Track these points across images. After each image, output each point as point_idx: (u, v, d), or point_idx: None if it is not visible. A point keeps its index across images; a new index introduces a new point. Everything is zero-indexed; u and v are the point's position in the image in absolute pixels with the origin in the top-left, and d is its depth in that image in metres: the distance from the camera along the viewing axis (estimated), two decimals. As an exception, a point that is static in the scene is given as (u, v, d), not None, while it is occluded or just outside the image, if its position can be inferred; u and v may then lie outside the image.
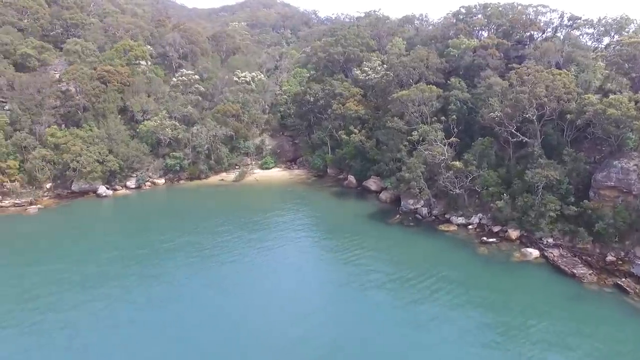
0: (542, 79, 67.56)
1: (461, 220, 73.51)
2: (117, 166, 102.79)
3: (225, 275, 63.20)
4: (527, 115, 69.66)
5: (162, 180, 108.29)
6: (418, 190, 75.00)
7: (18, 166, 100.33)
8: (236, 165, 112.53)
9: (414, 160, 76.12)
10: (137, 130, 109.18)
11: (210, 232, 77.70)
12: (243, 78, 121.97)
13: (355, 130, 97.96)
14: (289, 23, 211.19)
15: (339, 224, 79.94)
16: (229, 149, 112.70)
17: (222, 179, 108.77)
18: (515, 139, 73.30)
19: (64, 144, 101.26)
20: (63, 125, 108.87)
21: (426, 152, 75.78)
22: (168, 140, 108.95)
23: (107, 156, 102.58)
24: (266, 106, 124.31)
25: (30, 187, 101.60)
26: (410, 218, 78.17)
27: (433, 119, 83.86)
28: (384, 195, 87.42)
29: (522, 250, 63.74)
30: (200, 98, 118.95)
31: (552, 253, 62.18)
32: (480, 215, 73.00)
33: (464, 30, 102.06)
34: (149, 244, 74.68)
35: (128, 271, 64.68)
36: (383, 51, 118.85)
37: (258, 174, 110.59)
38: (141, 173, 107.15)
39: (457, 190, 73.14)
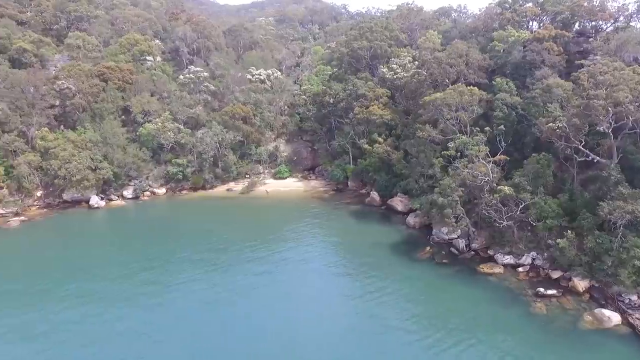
0: (626, 79, 49.71)
1: (509, 259, 55.64)
2: (111, 174, 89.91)
3: (208, 326, 48.74)
4: (600, 128, 52.18)
5: (162, 190, 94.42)
6: (454, 220, 58.26)
7: (5, 172, 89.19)
8: (246, 174, 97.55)
9: (449, 182, 59.00)
10: (138, 133, 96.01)
11: (203, 261, 62.98)
12: (257, 76, 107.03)
13: (380, 139, 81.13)
14: (317, 18, 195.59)
15: (357, 255, 63.45)
16: (239, 155, 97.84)
17: (230, 190, 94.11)
18: (581, 158, 55.92)
19: (53, 148, 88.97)
20: (61, 127, 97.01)
21: (465, 171, 58.83)
22: (170, 145, 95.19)
23: (100, 162, 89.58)
24: (284, 107, 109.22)
25: (20, 195, 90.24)
26: (443, 252, 60.69)
27: (474, 129, 66.56)
28: (411, 219, 70.29)
29: (596, 311, 45.39)
30: (209, 98, 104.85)
31: (640, 319, 44.51)
32: (533, 254, 54.99)
33: (512, 20, 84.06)
34: (127, 272, 60.72)
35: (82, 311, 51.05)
36: (415, 46, 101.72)
37: (270, 185, 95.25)
38: (140, 182, 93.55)
39: (505, 222, 55.87)
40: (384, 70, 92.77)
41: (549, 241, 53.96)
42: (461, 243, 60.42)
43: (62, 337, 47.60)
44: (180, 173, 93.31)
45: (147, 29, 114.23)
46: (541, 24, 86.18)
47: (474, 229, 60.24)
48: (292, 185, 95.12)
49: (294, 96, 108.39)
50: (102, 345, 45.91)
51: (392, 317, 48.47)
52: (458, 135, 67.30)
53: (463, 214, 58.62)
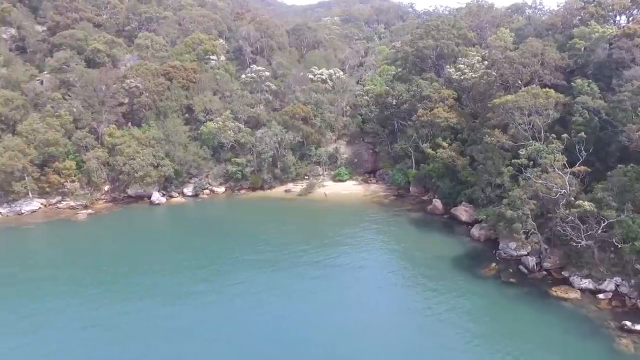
0: None
1: (587, 283, 49.28)
2: (172, 171, 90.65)
3: (261, 328, 46.88)
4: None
5: (222, 189, 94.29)
6: (524, 235, 52.76)
7: (77, 167, 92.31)
8: (305, 175, 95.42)
9: (520, 193, 53.53)
10: (199, 131, 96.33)
11: (259, 262, 61.69)
12: (319, 76, 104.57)
13: (444, 144, 76.01)
14: (383, 17, 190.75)
15: (416, 266, 59.46)
16: (298, 156, 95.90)
17: (288, 191, 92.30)
18: (678, 171, 48.89)
19: (119, 145, 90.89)
20: (129, 124, 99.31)
21: (539, 183, 53.18)
22: (230, 144, 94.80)
23: (162, 160, 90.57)
24: (346, 108, 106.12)
25: (89, 188, 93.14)
26: (510, 270, 55.08)
27: (549, 135, 60.29)
28: (476, 231, 64.84)
29: (698, 355, 39.17)
30: (270, 97, 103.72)
31: None
32: (617, 279, 48.39)
33: (597, 14, 76.18)
34: (184, 269, 61.20)
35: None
36: (484, 45, 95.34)
37: (329, 187, 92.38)
38: (200, 180, 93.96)
39: (583, 241, 49.80)
40: (451, 70, 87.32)
41: (638, 266, 47.43)
42: (531, 261, 54.58)
43: (120, 329, 47.94)
44: (240, 172, 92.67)
45: (212, 28, 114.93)
46: (631, 18, 77.64)
47: (546, 247, 54.33)
48: (352, 188, 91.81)
49: (356, 97, 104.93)
50: (156, 340, 45.78)
51: (452, 335, 44.41)
52: (531, 141, 61.22)
53: (534, 229, 52.93)
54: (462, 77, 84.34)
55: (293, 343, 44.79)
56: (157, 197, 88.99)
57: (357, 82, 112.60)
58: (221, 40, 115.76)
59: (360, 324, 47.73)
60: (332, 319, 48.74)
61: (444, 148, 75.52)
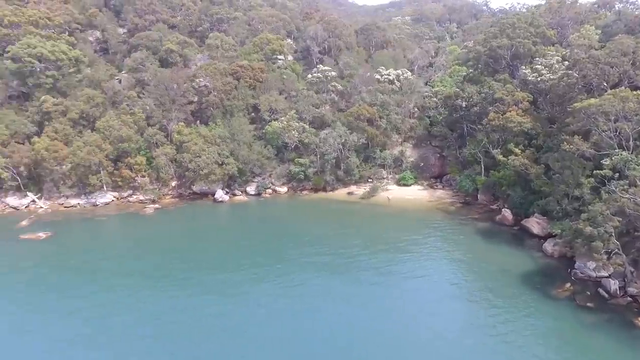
0: None
1: (682, 315, 44.05)
2: (236, 170, 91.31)
3: (316, 334, 45.48)
4: None
5: (284, 189, 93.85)
6: (605, 255, 47.41)
7: (147, 162, 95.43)
8: (369, 178, 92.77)
9: (602, 208, 48.09)
10: (264, 131, 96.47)
11: (317, 265, 60.79)
12: (386, 76, 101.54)
13: (517, 150, 70.46)
14: (456, 16, 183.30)
15: (481, 279, 55.59)
16: (362, 158, 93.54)
17: (351, 193, 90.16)
18: None
19: (186, 142, 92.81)
20: (197, 122, 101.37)
21: (625, 197, 47.52)
22: (294, 144, 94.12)
23: (227, 158, 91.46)
24: (414, 110, 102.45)
25: (158, 184, 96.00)
26: (588, 293, 49.73)
27: (639, 144, 54.34)
28: (549, 246, 59.38)
29: None
30: (336, 97, 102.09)
31: None
32: None
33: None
34: (241, 268, 61.12)
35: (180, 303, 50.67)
36: (565, 44, 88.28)
37: (393, 191, 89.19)
38: (262, 179, 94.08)
39: (677, 265, 44.08)
40: (526, 71, 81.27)
41: None
42: (613, 285, 48.88)
43: (175, 325, 48.34)
44: (302, 173, 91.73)
45: (281, 28, 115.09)
46: None
47: (632, 269, 48.55)
48: (416, 193, 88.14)
49: (424, 98, 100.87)
50: (208, 338, 46.03)
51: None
52: (617, 150, 55.39)
53: (618, 249, 47.38)
54: (538, 79, 78.13)
55: (343, 352, 43.02)
56: (220, 194, 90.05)
57: (426, 83, 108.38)
58: (289, 40, 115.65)
59: (417, 337, 45.24)
60: (386, 329, 46.50)
61: (516, 155, 70.11)
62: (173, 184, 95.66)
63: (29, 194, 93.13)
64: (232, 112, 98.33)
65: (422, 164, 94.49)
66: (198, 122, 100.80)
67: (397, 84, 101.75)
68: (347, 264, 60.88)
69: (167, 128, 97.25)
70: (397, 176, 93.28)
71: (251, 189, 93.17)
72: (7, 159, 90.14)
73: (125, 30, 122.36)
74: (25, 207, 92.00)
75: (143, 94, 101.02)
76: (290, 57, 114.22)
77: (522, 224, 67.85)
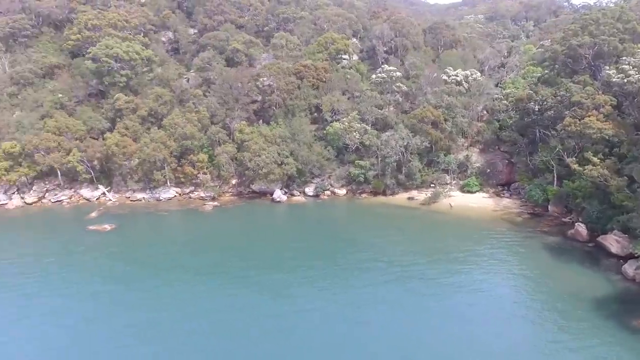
0: None
1: None
2: (295, 170, 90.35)
3: (365, 346, 42.93)
4: None
5: (343, 191, 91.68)
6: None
7: (209, 160, 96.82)
8: (431, 183, 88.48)
9: (696, 229, 42.30)
10: (325, 131, 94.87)
11: (369, 271, 58.63)
12: (453, 77, 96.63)
13: (596, 159, 63.58)
14: (533, 14, 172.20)
15: (549, 300, 50.29)
16: (425, 162, 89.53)
17: (411, 198, 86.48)
18: None
19: (247, 141, 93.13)
20: (260, 121, 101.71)
21: None
22: (355, 145, 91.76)
23: (286, 158, 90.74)
24: (482, 112, 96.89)
25: (219, 181, 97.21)
26: (678, 327, 44.20)
27: None
28: (631, 269, 52.55)
29: None
30: (400, 99, 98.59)
31: None
32: None
33: None
34: (293, 269, 60.52)
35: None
36: (661, 41, 79.58)
37: (456, 198, 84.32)
38: (322, 180, 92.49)
39: None
40: (611, 72, 73.60)
41: None
42: None
43: (227, 323, 48.60)
44: (362, 175, 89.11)
45: (346, 28, 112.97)
46: None
47: None
48: (481, 201, 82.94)
49: (493, 100, 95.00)
50: (263, 338, 45.66)
51: None
52: None
53: None
54: (625, 80, 70.34)
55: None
56: (278, 194, 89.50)
57: (496, 85, 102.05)
58: (354, 40, 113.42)
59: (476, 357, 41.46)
60: (437, 346, 43.23)
61: (594, 164, 63.45)
62: (233, 182, 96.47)
63: (100, 186, 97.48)
64: (293, 111, 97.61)
65: (489, 170, 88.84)
66: (261, 121, 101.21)
67: (465, 85, 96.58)
68: (403, 273, 57.92)
69: (230, 126, 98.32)
70: (461, 182, 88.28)
71: (310, 190, 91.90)
72: (83, 153, 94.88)
73: (195, 31, 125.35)
74: (97, 199, 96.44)
75: (209, 92, 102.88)
76: (355, 57, 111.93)
77: (598, 241, 61.20)
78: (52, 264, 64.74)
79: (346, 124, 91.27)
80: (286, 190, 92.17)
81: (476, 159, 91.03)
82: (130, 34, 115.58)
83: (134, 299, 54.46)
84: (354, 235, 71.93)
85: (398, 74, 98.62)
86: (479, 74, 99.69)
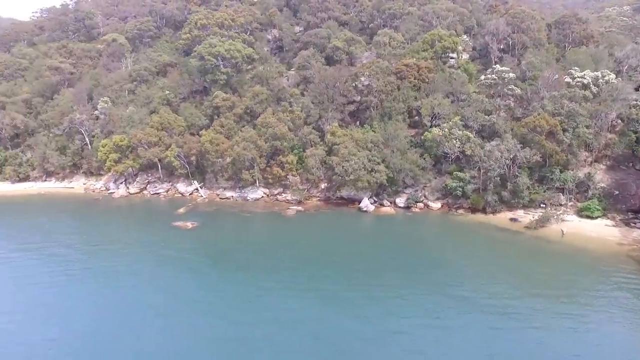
0: None
1: None
2: (386, 178, 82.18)
3: None
4: None
5: (437, 205, 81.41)
6: None
7: (299, 162, 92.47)
8: (541, 203, 74.34)
9: None
10: (422, 137, 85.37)
11: (447, 299, 50.23)
12: (579, 79, 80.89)
13: None
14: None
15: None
16: (535, 179, 75.93)
17: (514, 220, 73.46)
18: None
19: (337, 144, 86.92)
20: (357, 123, 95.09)
21: None
22: (455, 155, 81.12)
23: (377, 165, 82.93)
24: (615, 121, 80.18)
25: (308, 184, 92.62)
26: None
27: None
28: None
29: None
30: (512, 104, 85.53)
31: None
32: None
33: None
34: (358, 283, 55.20)
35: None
36: None
37: (570, 224, 69.24)
38: (415, 191, 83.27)
39: None
40: None
41: None
42: None
43: (298, 329, 46.62)
44: (460, 189, 78.14)
45: (457, 23, 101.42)
46: None
47: None
48: (602, 230, 67.42)
49: (630, 108, 77.74)
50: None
51: None
52: None
53: None
54: None
55: None
56: (366, 203, 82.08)
57: (637, 89, 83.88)
58: (464, 37, 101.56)
59: None
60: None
61: None
62: (322, 186, 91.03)
63: (194, 182, 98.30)
64: (390, 114, 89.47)
65: (618, 192, 72.55)
66: (357, 122, 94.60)
67: (594, 89, 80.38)
68: (491, 306, 48.80)
69: (322, 128, 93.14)
70: (578, 204, 73.06)
71: (401, 200, 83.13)
72: (180, 149, 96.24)
73: (300, 29, 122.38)
74: (190, 194, 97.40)
75: (306, 91, 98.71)
76: (465, 56, 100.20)
77: None
78: (130, 254, 68.05)
79: (446, 130, 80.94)
80: (375, 199, 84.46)
81: (601, 177, 75.15)
82: (236, 32, 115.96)
83: (211, 298, 53.89)
84: (442, 256, 62.50)
85: (511, 75, 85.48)
86: (613, 75, 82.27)
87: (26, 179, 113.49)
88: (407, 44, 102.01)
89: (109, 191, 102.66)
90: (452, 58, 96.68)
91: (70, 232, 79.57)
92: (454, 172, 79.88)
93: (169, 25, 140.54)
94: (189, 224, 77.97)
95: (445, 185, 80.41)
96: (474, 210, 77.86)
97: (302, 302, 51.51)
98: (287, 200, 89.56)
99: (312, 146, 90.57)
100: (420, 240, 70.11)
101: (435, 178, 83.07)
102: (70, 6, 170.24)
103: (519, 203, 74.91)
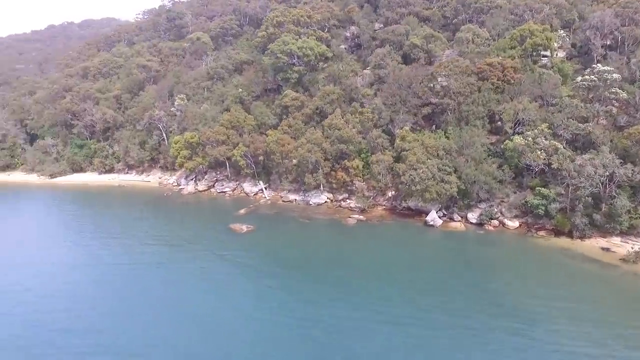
0: None
1: None
2: (456, 190, 72.91)
3: None
4: None
5: (515, 224, 70.34)
6: None
7: (365, 167, 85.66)
8: (645, 229, 61.75)
9: None
10: (503, 146, 74.64)
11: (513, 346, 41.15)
12: None
13: None
14: None
15: None
16: (638, 201, 62.78)
17: (607, 250, 60.62)
18: None
19: (406, 150, 78.86)
20: (433, 127, 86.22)
21: None
22: (540, 167, 69.70)
23: (448, 175, 73.78)
24: None
25: (373, 192, 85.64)
26: None
27: None
28: None
29: None
30: (614, 110, 71.89)
31: None
32: None
33: None
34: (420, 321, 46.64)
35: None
36: None
37: (682, 256, 56.76)
38: (489, 206, 72.95)
39: None
40: None
41: None
42: None
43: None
44: (543, 207, 66.49)
45: (553, 17, 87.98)
46: None
47: None
48: None
49: None
50: None
51: None
52: None
53: None
54: None
55: None
56: (433, 217, 73.36)
57: None
58: (561, 32, 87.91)
59: None
60: None
61: None
62: (389, 194, 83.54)
63: (260, 183, 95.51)
64: (467, 119, 79.71)
65: None
66: (434, 127, 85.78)
67: None
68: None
69: (393, 131, 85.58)
70: (696, 235, 59.24)
71: (473, 216, 73.29)
72: (247, 148, 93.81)
73: (381, 25, 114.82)
74: (254, 194, 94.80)
75: (380, 91, 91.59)
76: (560, 54, 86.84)
77: None
78: (182, 252, 68.20)
79: (530, 139, 69.74)
80: (445, 213, 75.38)
81: None
82: (313, 29, 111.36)
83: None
84: (512, 289, 52.50)
85: (615, 75, 71.69)
86: None
87: (111, 170, 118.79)
88: (493, 40, 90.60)
89: (180, 187, 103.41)
90: (544, 56, 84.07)
91: (135, 226, 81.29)
92: (537, 188, 68.33)
93: (251, 23, 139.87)
94: (244, 227, 74.87)
95: (526, 201, 69.18)
96: (557, 233, 66.00)
97: (354, 324, 45.70)
98: (351, 207, 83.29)
99: (380, 151, 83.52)
100: (489, 266, 59.80)
101: (515, 193, 72.10)
102: (167, 7, 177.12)
103: (614, 229, 62.05)
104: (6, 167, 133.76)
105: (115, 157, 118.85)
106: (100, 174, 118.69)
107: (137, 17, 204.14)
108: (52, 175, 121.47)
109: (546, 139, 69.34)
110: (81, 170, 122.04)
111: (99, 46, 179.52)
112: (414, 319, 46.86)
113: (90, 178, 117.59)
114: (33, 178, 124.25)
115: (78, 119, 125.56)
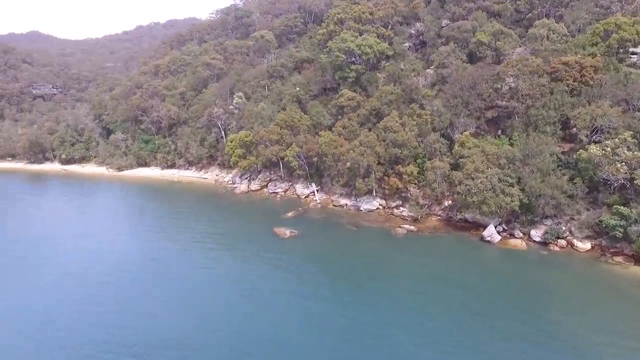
0: None
1: None
2: (518, 204, 64.92)
3: None
4: None
5: (586, 245, 61.25)
6: None
7: (420, 173, 79.47)
8: None
9: None
10: (575, 156, 65.49)
11: None
12: None
13: None
14: None
15: None
16: None
17: (702, 281, 51.35)
18: None
19: (464, 157, 71.71)
20: (499, 132, 78.19)
21: None
22: (619, 182, 60.18)
23: (509, 187, 65.94)
24: None
25: (429, 200, 79.19)
26: None
27: None
28: None
29: None
30: None
31: None
32: None
33: None
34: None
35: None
36: None
37: None
38: (556, 223, 64.33)
39: None
40: None
41: None
42: None
43: None
44: (621, 229, 57.28)
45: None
46: None
47: None
48: None
49: None
50: None
51: None
52: None
53: None
54: None
55: None
56: (490, 232, 65.93)
57: None
58: (655, 26, 76.07)
59: None
60: None
61: None
62: (446, 203, 76.84)
63: (312, 185, 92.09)
64: (536, 124, 71.10)
65: None
66: (500, 132, 77.81)
67: None
68: None
69: (452, 136, 78.62)
70: None
71: (536, 233, 64.85)
72: (300, 149, 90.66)
73: (448, 22, 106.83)
74: (306, 196, 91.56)
75: (442, 92, 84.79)
76: (652, 52, 75.15)
77: None
78: (223, 254, 67.27)
79: (609, 149, 60.42)
80: (505, 228, 67.67)
81: None
82: (375, 26, 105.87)
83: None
84: (573, 322, 45.11)
85: None
86: None
87: (172, 166, 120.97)
88: (572, 37, 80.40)
89: (234, 185, 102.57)
90: (633, 54, 72.93)
91: (181, 225, 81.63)
92: (615, 206, 58.94)
93: (315, 21, 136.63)
94: (288, 232, 71.83)
95: (600, 221, 59.91)
96: (638, 260, 56.66)
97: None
98: (403, 216, 77.64)
99: (437, 157, 76.99)
100: (551, 292, 52.05)
101: (588, 210, 62.92)
102: (237, 6, 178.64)
103: None
104: (82, 159, 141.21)
105: (177, 153, 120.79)
106: (162, 169, 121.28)
107: (210, 16, 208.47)
108: (119, 169, 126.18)
109: (629, 150, 59.74)
110: (146, 164, 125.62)
111: (172, 45, 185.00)
112: (456, 344, 41.31)
113: (153, 173, 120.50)
114: (103, 170, 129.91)
115: (146, 115, 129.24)
